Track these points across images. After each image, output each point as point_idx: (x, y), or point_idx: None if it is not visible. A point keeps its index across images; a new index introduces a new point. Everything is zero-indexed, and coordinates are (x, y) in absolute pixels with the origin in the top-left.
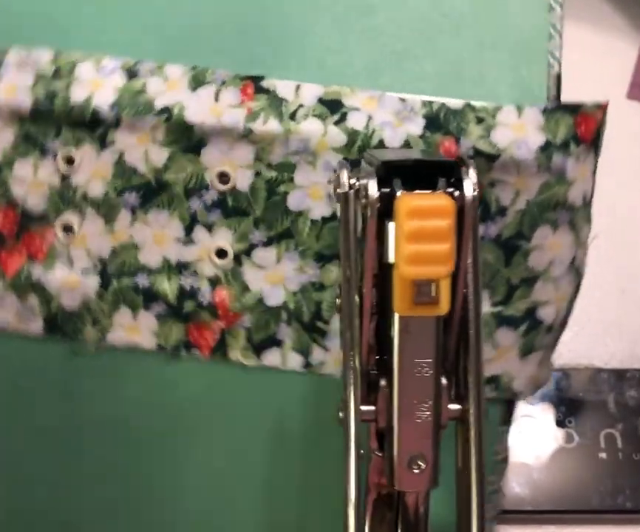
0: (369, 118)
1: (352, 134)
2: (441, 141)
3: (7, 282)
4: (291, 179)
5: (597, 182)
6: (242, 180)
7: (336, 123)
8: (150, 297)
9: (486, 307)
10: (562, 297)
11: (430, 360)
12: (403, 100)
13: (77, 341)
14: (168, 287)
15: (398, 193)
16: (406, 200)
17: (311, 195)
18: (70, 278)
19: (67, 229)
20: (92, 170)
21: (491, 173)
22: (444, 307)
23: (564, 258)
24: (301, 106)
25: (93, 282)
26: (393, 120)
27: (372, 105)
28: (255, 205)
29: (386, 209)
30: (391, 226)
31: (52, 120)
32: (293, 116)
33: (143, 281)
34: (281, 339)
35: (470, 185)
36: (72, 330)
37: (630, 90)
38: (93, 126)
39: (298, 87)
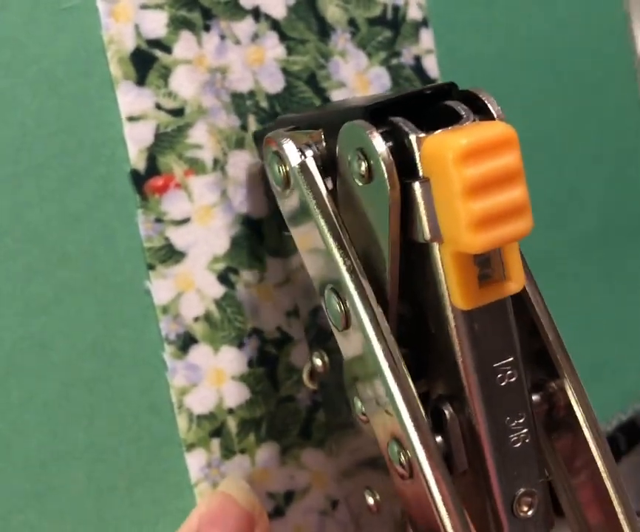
0: None
1: None
2: None
3: None
4: None
5: None
6: None
7: None
8: None
9: None
10: None
11: (512, 358)
12: None
13: None
14: None
15: (423, 136)
16: (453, 139)
17: None
18: None
19: None
20: None
21: None
22: (519, 279)
23: None
24: None
25: None
26: None
27: None
28: None
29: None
30: (417, 189)
31: None
32: None
33: None
34: None
35: (496, 107)
36: None
37: None
38: None
39: None
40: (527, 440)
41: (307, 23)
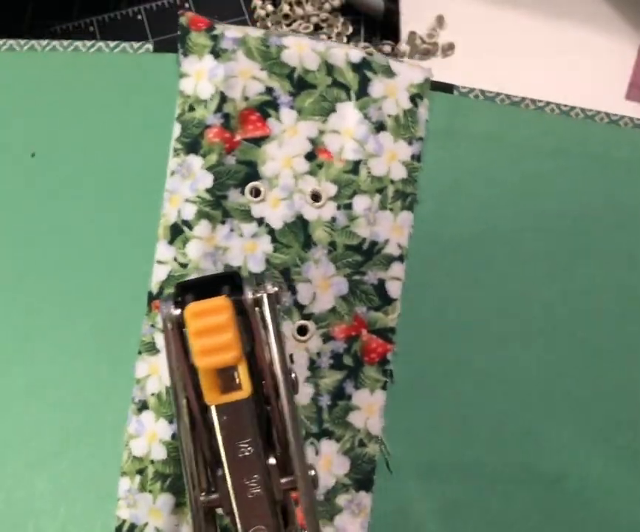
0: None
1: None
2: None
3: None
4: None
5: None
6: None
7: None
8: None
9: None
10: None
11: (249, 439)
12: None
13: None
14: None
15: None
16: (190, 307)
17: None
18: None
19: None
20: None
21: None
22: (246, 390)
23: None
24: None
25: None
26: None
27: None
28: None
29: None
30: (185, 334)
31: None
32: None
33: None
34: None
35: (249, 290)
36: None
37: (629, 91)
38: None
39: None
40: (259, 494)
41: (296, 235)
